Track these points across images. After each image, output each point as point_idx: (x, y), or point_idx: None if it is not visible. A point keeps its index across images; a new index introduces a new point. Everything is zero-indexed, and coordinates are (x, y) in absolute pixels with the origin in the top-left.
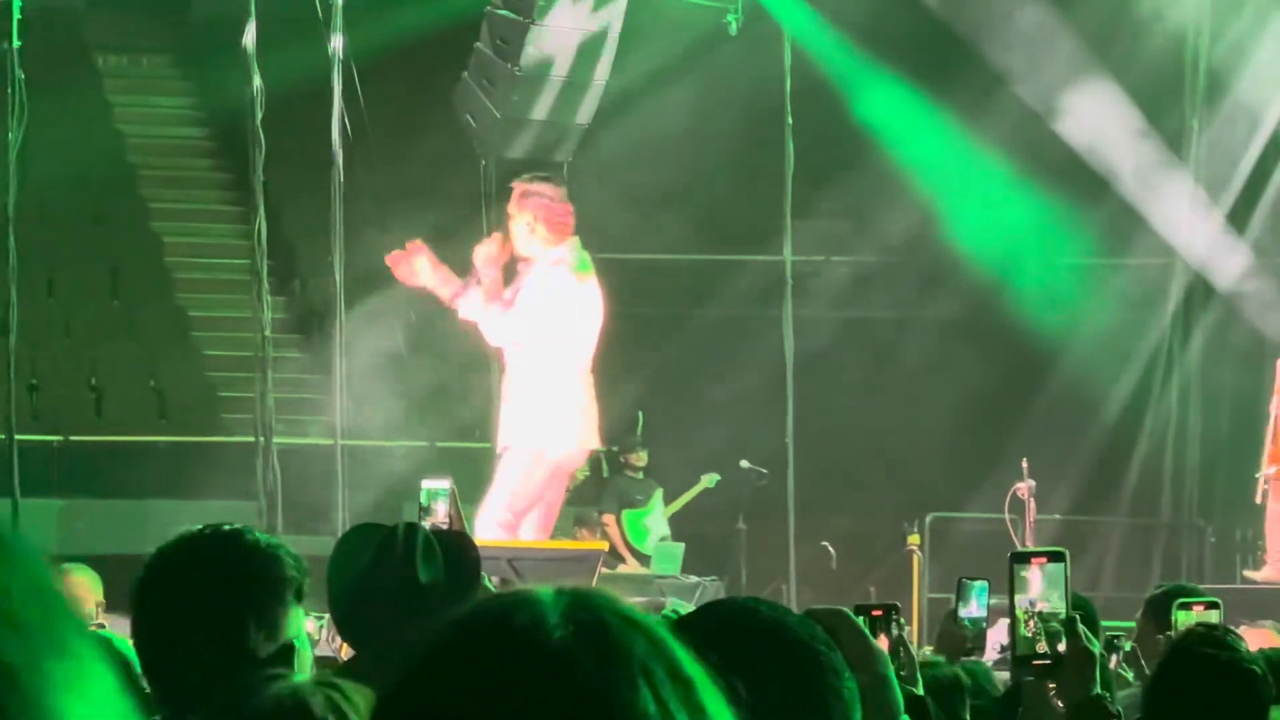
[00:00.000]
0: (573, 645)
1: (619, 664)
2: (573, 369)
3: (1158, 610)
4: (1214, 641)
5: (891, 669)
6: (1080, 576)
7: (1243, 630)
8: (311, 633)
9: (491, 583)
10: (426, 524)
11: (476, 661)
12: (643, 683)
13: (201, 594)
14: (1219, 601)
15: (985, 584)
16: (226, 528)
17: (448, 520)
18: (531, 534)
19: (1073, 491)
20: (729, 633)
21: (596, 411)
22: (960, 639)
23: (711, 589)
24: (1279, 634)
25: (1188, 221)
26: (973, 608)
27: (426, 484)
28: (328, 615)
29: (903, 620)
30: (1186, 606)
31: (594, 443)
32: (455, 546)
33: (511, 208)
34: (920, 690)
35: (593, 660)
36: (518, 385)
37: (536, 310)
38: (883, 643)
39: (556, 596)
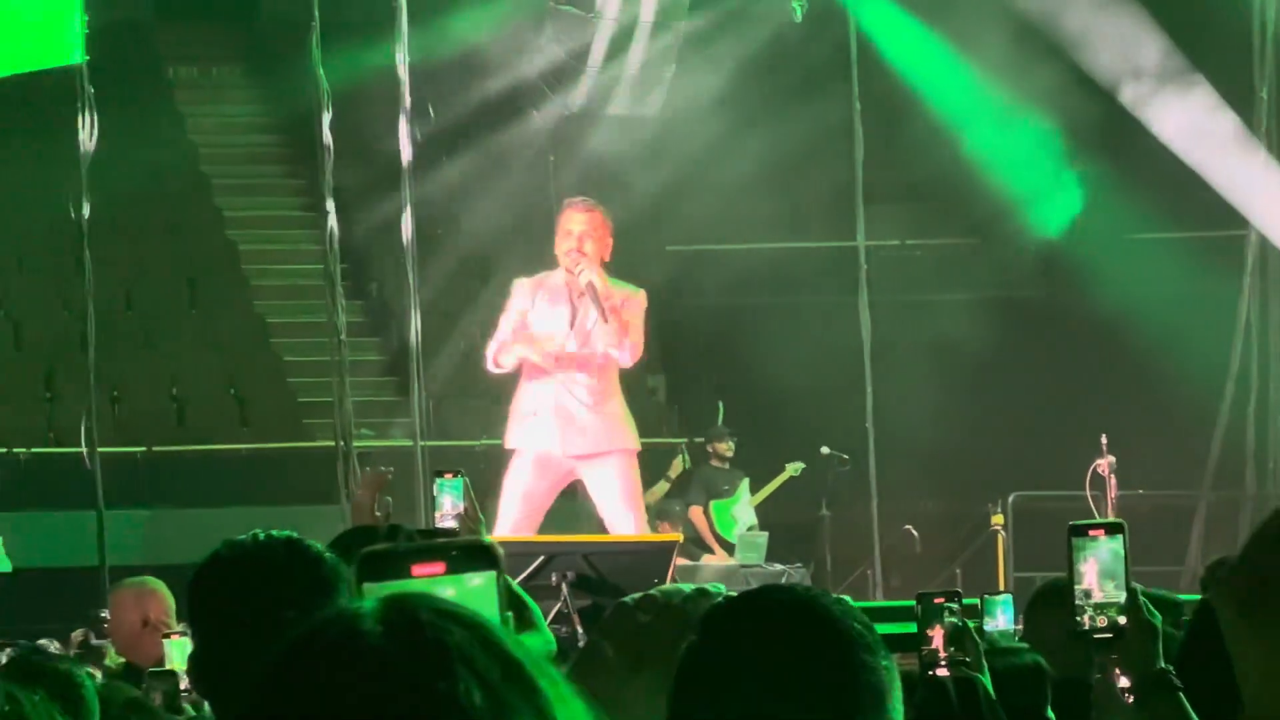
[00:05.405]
0: (387, 645)
1: (434, 655)
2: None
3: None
4: None
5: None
6: (1167, 551)
7: None
8: None
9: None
10: (436, 518)
11: (304, 677)
12: (463, 669)
13: (257, 600)
14: None
15: (1009, 597)
16: (278, 534)
17: (456, 516)
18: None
19: (1154, 466)
20: (759, 610)
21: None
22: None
23: (797, 576)
24: None
25: (1261, 191)
26: (1000, 621)
27: (439, 479)
28: None
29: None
30: None
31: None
32: None
33: (594, 229)
34: (986, 678)
35: (408, 655)
36: None
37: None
38: (937, 631)
39: (374, 605)
